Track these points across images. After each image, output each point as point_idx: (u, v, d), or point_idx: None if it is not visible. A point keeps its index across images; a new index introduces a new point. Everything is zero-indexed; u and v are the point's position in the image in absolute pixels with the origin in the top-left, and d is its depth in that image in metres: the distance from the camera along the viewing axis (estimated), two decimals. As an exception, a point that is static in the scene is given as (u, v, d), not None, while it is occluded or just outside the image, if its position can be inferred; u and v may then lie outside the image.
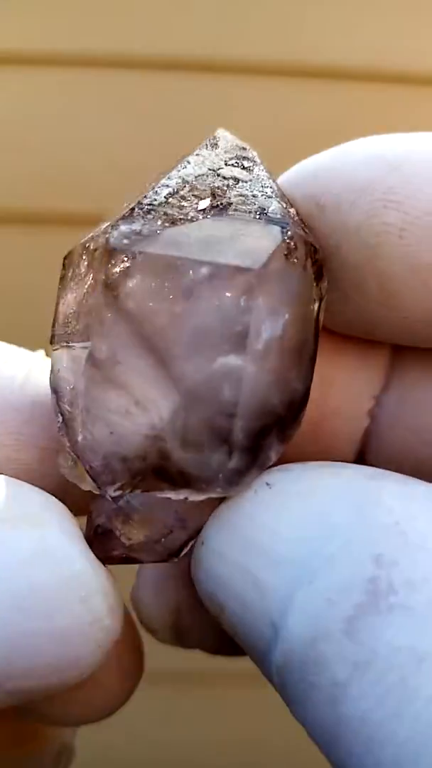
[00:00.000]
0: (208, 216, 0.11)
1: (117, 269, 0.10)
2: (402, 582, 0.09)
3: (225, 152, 0.12)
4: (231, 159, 0.12)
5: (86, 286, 0.11)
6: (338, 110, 0.35)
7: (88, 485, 0.11)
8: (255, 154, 0.13)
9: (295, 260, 0.11)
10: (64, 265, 0.13)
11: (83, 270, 0.11)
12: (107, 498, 0.11)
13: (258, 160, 0.13)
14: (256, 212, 0.11)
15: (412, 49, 0.36)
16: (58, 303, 0.13)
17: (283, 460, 0.16)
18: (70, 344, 0.11)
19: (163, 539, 0.11)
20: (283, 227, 0.11)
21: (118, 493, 0.11)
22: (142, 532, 0.11)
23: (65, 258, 0.13)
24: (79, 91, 0.36)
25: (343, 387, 0.15)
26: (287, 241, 0.11)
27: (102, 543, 0.11)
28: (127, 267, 0.10)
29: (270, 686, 0.11)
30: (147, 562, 0.12)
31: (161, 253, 0.10)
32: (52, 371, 0.12)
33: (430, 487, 0.11)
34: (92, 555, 0.11)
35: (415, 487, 0.11)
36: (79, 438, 0.11)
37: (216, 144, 0.13)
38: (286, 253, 0.11)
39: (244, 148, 0.13)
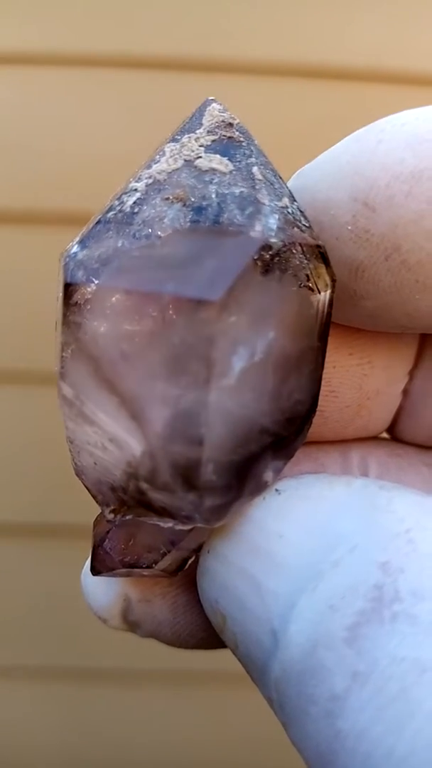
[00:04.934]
0: (178, 228, 0.10)
1: (75, 305, 0.10)
2: (408, 590, 0.09)
3: (208, 132, 0.11)
4: (213, 142, 0.11)
5: (58, 305, 0.11)
6: (337, 110, 0.34)
7: None
8: (243, 131, 0.11)
9: (278, 270, 0.10)
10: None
11: (58, 284, 0.11)
12: (105, 517, 0.11)
13: (244, 140, 0.11)
14: (230, 220, 0.10)
15: (411, 49, 0.35)
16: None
17: (321, 441, 0.15)
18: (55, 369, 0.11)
19: (157, 561, 0.11)
20: (259, 236, 0.10)
21: (111, 516, 0.11)
22: (137, 552, 0.11)
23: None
24: (78, 90, 0.35)
25: (382, 368, 0.14)
26: (265, 253, 0.10)
27: (103, 558, 0.12)
28: (84, 302, 0.10)
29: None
30: (147, 576, 0.12)
31: (119, 286, 0.10)
32: None
33: None
34: None
35: (431, 501, 0.10)
36: (74, 462, 0.11)
37: (200, 121, 0.11)
38: (263, 267, 0.10)
39: (230, 125, 0.11)
